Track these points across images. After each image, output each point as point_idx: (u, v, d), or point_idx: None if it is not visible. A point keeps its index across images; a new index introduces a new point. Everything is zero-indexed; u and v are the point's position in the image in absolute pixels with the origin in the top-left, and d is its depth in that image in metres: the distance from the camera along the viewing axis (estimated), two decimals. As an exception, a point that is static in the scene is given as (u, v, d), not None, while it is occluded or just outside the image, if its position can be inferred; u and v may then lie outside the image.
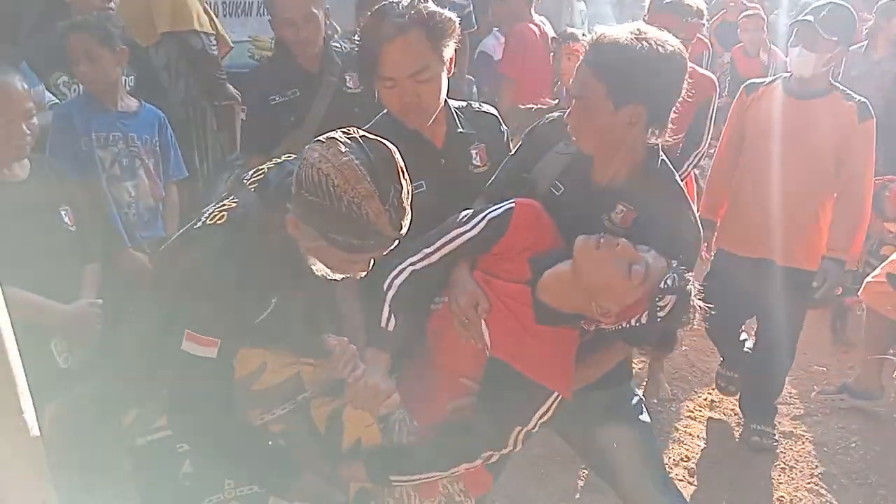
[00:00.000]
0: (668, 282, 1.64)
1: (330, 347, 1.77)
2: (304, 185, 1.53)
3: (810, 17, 3.07)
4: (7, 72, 2.29)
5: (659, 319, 1.65)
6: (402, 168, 1.56)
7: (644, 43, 1.77)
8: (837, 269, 3.16)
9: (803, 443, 3.59)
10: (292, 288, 1.73)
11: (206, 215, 1.69)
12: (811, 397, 3.94)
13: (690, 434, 3.59)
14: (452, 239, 1.87)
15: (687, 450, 3.47)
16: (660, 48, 1.78)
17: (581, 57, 1.88)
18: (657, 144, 1.94)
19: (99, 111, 2.92)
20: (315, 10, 2.76)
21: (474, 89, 5.02)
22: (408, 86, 1.95)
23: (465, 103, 2.24)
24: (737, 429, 3.66)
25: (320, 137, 1.57)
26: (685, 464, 3.38)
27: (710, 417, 3.76)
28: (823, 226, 3.21)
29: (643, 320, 1.66)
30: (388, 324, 1.85)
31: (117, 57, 2.91)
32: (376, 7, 2.02)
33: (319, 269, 1.67)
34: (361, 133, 1.57)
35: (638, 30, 1.80)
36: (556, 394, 1.75)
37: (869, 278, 3.64)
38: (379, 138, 1.57)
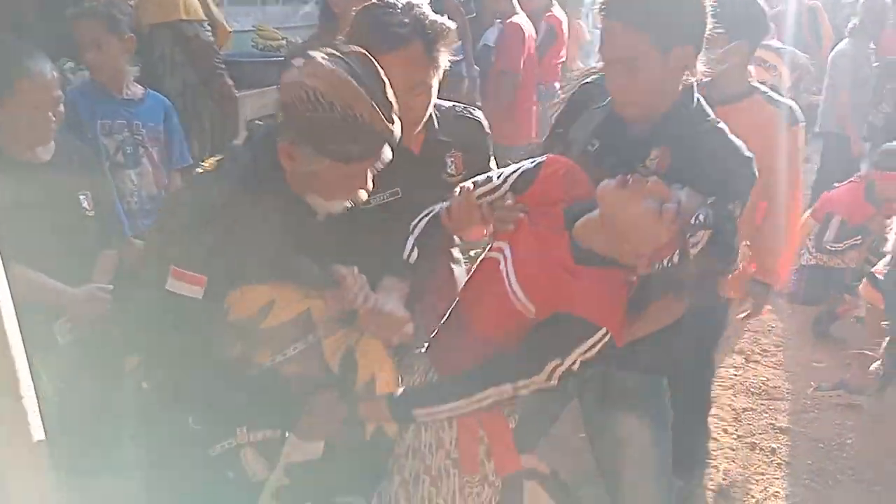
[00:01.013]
0: (701, 217, 1.56)
1: (340, 277, 1.73)
2: (293, 107, 1.55)
3: None
4: (39, 59, 2.29)
5: (692, 258, 1.57)
6: (379, 68, 1.61)
7: None
8: (764, 294, 2.86)
9: (799, 438, 3.61)
10: (284, 238, 1.72)
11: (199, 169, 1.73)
12: (808, 393, 3.97)
13: (687, 428, 3.62)
14: (482, 183, 1.85)
15: (684, 444, 3.49)
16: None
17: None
18: (691, 83, 1.84)
19: (104, 98, 2.92)
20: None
21: (477, 83, 5.02)
22: (402, 99, 1.76)
23: (450, 105, 2.19)
24: (733, 424, 3.69)
25: (293, 61, 1.59)
26: (682, 458, 3.40)
27: (707, 412, 3.78)
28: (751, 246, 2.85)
29: (675, 259, 1.59)
30: (411, 256, 1.85)
31: (125, 44, 2.91)
32: (368, 7, 1.95)
33: (318, 204, 1.68)
34: (331, 48, 1.61)
35: None
36: (601, 333, 1.63)
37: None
38: (352, 46, 1.62)
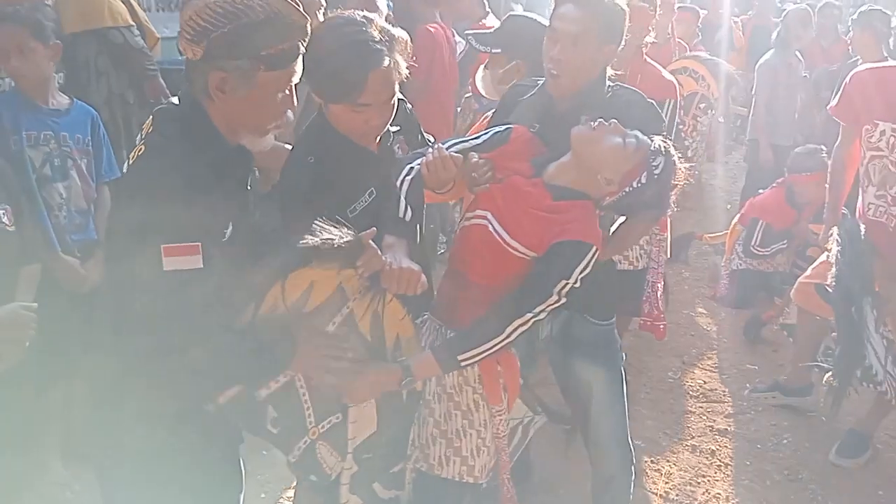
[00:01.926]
0: (656, 145, 2.04)
1: (366, 243, 1.78)
2: (210, 31, 1.57)
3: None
4: None
5: (655, 177, 2.03)
6: None
7: None
8: None
9: (737, 440, 3.69)
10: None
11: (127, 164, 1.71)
12: (744, 395, 4.06)
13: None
14: (457, 143, 2.14)
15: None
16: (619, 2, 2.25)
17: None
18: (604, 70, 2.33)
19: (29, 108, 2.80)
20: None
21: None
22: (382, 110, 2.02)
23: None
24: (672, 427, 3.74)
25: None
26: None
27: (647, 416, 3.83)
28: None
29: (643, 180, 2.02)
30: (406, 214, 2.00)
31: (50, 51, 2.79)
32: (333, 26, 1.97)
33: (253, 143, 1.73)
34: None
35: None
36: (593, 250, 1.97)
37: (801, 279, 3.75)
38: None
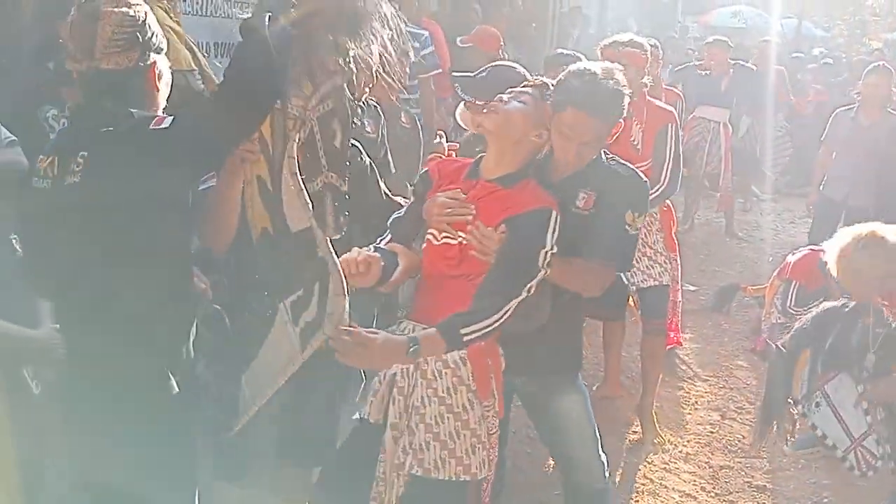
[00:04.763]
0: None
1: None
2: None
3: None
4: None
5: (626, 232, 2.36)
6: None
7: (608, 79, 2.29)
8: None
9: (776, 497, 3.62)
10: None
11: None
12: (784, 451, 3.96)
13: (665, 486, 3.61)
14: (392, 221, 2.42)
15: (662, 502, 3.49)
16: (622, 86, 2.31)
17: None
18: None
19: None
20: None
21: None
22: None
23: None
24: (710, 482, 3.69)
25: None
26: (660, 516, 3.40)
27: (684, 470, 3.78)
28: None
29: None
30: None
31: None
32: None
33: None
34: None
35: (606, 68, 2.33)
36: (552, 213, 2.17)
37: None
38: None
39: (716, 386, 4.66)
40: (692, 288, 5.96)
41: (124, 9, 1.86)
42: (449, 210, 2.23)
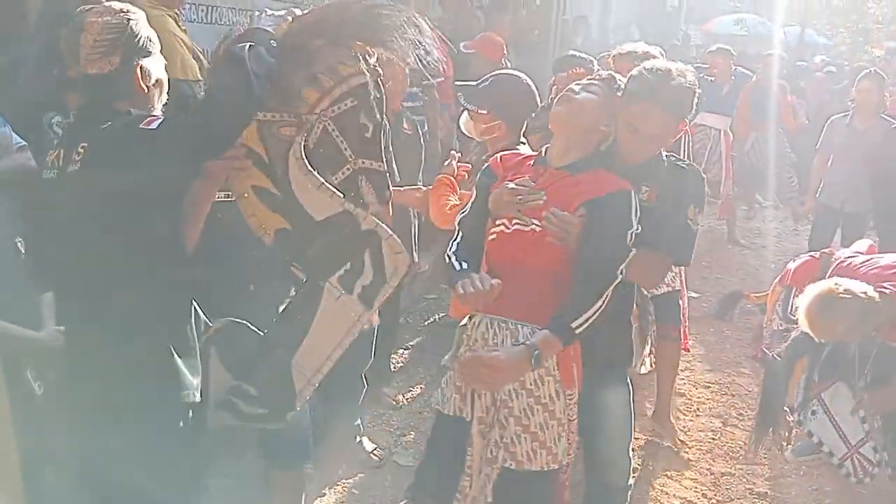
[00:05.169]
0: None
1: None
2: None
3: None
4: None
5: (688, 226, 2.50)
6: None
7: (681, 77, 2.38)
8: None
9: (778, 504, 3.62)
10: None
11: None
12: (785, 458, 3.96)
13: (667, 492, 3.61)
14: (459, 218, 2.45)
15: (664, 508, 3.50)
16: (694, 85, 2.41)
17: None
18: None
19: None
20: None
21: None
22: None
23: None
24: (711, 489, 3.69)
25: None
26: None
27: (686, 476, 3.78)
28: None
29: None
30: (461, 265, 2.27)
31: None
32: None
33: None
34: None
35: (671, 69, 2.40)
36: (631, 194, 2.23)
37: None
38: None
39: (718, 393, 4.66)
40: (695, 295, 5.95)
41: (107, 17, 1.99)
42: (520, 197, 2.25)
